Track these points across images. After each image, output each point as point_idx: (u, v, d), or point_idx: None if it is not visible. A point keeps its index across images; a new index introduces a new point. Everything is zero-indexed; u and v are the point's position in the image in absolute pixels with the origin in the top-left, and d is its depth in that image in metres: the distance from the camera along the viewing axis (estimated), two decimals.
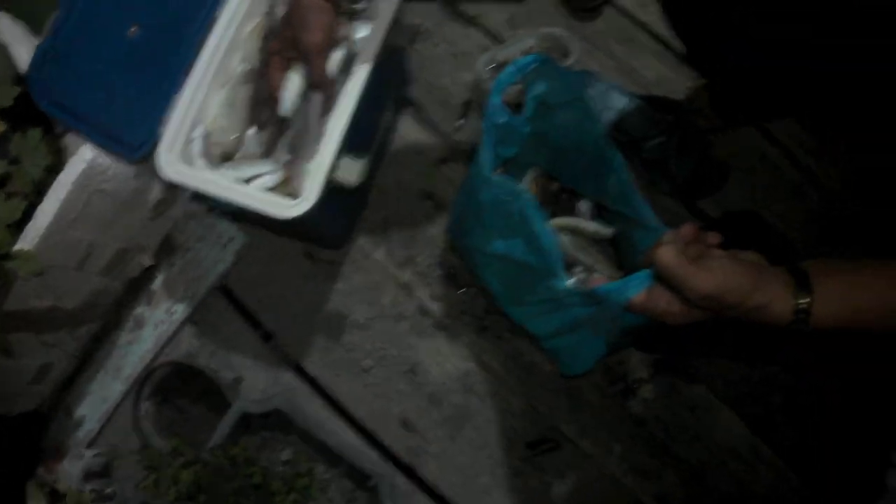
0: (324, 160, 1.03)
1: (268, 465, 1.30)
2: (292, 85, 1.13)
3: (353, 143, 1.05)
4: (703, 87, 1.32)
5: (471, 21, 1.48)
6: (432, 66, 1.46)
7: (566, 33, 1.34)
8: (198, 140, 1.13)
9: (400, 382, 1.34)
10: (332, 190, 1.04)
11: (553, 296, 1.04)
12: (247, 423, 1.31)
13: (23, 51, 1.13)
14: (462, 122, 1.42)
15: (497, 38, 1.47)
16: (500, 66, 1.37)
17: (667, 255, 0.73)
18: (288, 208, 1.02)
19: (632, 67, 1.44)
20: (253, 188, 1.07)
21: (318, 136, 1.10)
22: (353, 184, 1.04)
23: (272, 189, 1.09)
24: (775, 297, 0.72)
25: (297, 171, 1.10)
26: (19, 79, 1.12)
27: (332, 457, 1.29)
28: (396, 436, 1.32)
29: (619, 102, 1.28)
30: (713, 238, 0.78)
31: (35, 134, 1.12)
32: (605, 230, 1.21)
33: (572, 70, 1.23)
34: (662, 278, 0.76)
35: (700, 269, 0.72)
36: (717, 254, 0.76)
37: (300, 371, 1.36)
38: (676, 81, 1.41)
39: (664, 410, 1.31)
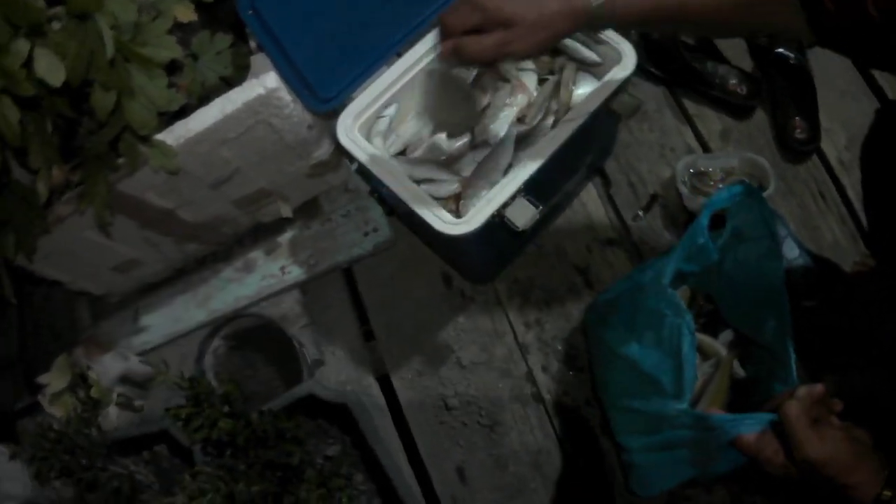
0: (502, 192, 0.98)
1: (310, 453, 1.23)
2: (503, 111, 1.10)
3: (535, 189, 1.00)
4: (869, 263, 1.31)
5: (688, 119, 1.45)
6: (637, 148, 1.42)
7: (769, 167, 1.30)
8: (386, 119, 1.09)
9: (475, 434, 1.29)
10: (495, 226, 0.99)
11: (663, 412, 1.01)
12: (311, 405, 1.25)
13: None
14: (642, 213, 1.37)
15: (705, 146, 1.43)
16: (699, 174, 1.34)
17: (795, 409, 0.75)
18: (448, 224, 0.98)
19: (815, 224, 1.38)
20: (421, 189, 1.02)
21: (505, 168, 1.06)
22: (519, 227, 0.98)
23: (438, 199, 1.04)
24: (864, 481, 0.73)
25: (470, 193, 1.05)
26: None
27: (377, 473, 1.23)
28: (447, 481, 1.28)
29: (791, 253, 1.27)
30: (836, 406, 0.80)
31: (224, 40, 1.07)
32: (740, 371, 1.18)
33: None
34: (780, 428, 0.77)
35: (815, 433, 0.74)
36: (834, 423, 0.78)
37: (385, 382, 1.32)
38: (848, 252, 1.36)
39: None
